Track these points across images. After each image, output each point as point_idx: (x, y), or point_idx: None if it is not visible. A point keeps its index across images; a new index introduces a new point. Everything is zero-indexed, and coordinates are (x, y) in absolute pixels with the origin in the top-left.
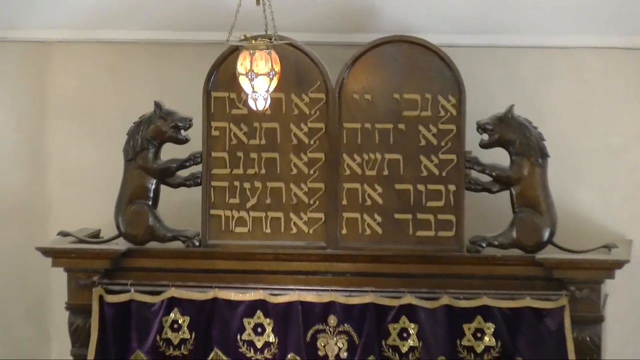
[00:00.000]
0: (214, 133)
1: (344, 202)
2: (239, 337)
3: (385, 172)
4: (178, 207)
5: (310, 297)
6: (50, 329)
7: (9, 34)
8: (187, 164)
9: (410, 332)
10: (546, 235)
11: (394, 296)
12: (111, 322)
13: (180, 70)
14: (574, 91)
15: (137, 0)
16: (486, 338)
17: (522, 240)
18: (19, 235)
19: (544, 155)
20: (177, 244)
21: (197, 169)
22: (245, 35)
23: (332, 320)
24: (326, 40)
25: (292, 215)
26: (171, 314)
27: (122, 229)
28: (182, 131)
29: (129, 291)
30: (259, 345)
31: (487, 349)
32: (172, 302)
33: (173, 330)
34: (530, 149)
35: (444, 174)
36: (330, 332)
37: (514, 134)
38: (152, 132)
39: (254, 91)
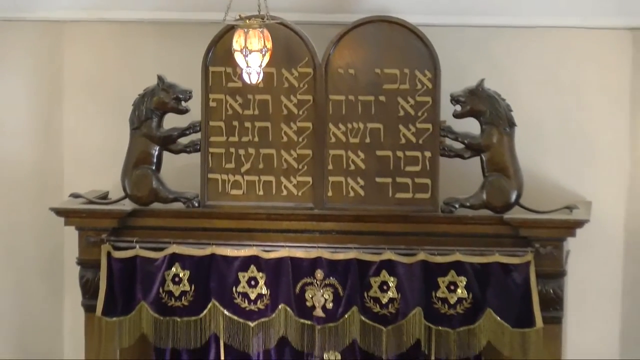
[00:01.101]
0: (212, 104)
1: (330, 167)
2: (234, 289)
3: (368, 140)
4: (179, 172)
5: (299, 253)
6: (64, 282)
7: (26, 14)
8: (187, 132)
9: (390, 285)
10: (513, 197)
11: (375, 252)
12: (118, 276)
13: (182, 47)
14: (539, 66)
15: None
16: (459, 290)
17: (491, 202)
18: (36, 197)
19: (511, 124)
20: (178, 205)
21: (196, 136)
22: (240, 15)
23: (319, 274)
24: (314, 20)
25: (282, 178)
26: (172, 268)
27: (128, 191)
28: (183, 102)
29: (134, 247)
30: (252, 296)
31: (460, 300)
32: (174, 258)
33: (174, 283)
34: (499, 119)
35: (420, 141)
36: (317, 285)
37: (484, 105)
38: (155, 103)
39: (248, 66)
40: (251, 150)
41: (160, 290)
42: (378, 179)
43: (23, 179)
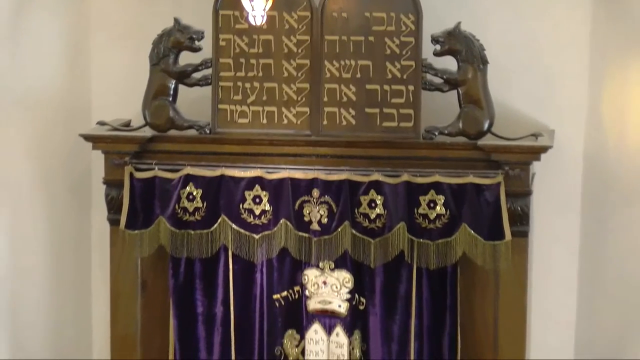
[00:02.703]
0: (221, 43)
1: (325, 99)
2: (241, 206)
3: (358, 75)
4: (192, 102)
5: (297, 174)
6: (91, 199)
7: None
8: (200, 68)
9: (377, 203)
10: (486, 125)
11: (364, 174)
12: (139, 194)
13: None
14: (510, 9)
15: None
16: (438, 207)
17: (466, 130)
18: (66, 125)
19: (484, 62)
20: (191, 132)
21: (207, 72)
22: None
23: (315, 193)
24: None
25: (283, 109)
26: (187, 187)
27: (148, 119)
28: (196, 42)
29: (153, 169)
30: (257, 212)
31: (439, 216)
32: (188, 178)
33: (189, 200)
34: (473, 57)
35: (404, 76)
36: (314, 203)
37: (460, 45)
38: (172, 43)
39: (253, 10)
40: (256, 84)
41: (176, 207)
42: (367, 110)
43: (55, 108)
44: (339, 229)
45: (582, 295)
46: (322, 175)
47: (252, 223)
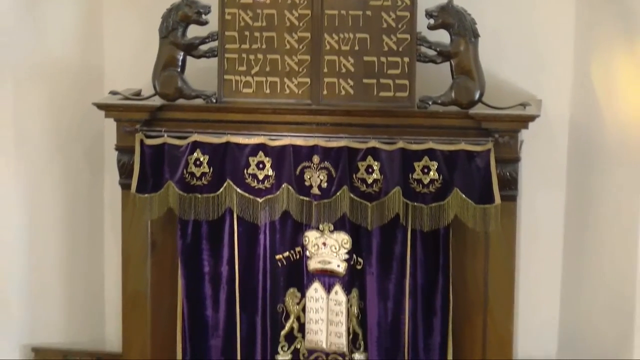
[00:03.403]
0: (227, 17)
1: (325, 70)
2: (245, 171)
3: (356, 48)
4: (200, 73)
5: (299, 141)
6: (104, 165)
7: None
8: (207, 40)
9: (374, 168)
10: (477, 95)
11: (362, 141)
12: (149, 159)
13: None
14: None
15: None
16: (431, 173)
17: (458, 99)
18: (81, 95)
19: (475, 35)
20: (199, 101)
21: (214, 44)
22: None
23: (316, 159)
24: None
25: (285, 79)
26: (194, 154)
27: (158, 89)
28: (203, 15)
29: (162, 136)
30: (260, 177)
31: (432, 181)
32: (195, 145)
33: (196, 165)
34: (465, 30)
35: (400, 49)
36: (314, 168)
37: (453, 19)
38: (180, 16)
39: None
40: (259, 56)
41: (184, 172)
42: (365, 80)
43: (71, 78)
44: (337, 193)
45: (567, 254)
46: (322, 142)
47: (256, 187)
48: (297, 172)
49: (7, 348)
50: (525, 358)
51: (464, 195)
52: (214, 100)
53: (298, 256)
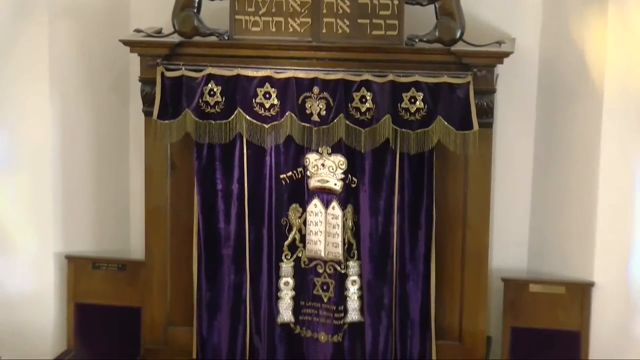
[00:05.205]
0: None
1: (324, 11)
2: (253, 100)
3: None
4: (214, 13)
5: (301, 74)
6: (129, 95)
7: None
8: None
9: (367, 98)
10: (458, 34)
11: (356, 74)
12: (169, 90)
13: None
14: None
15: None
16: (417, 102)
17: (442, 37)
18: (109, 32)
19: None
20: (212, 38)
21: None
22: None
23: (316, 90)
24: None
25: (289, 19)
26: (209, 85)
27: (176, 27)
28: None
29: (180, 69)
30: (267, 106)
31: (418, 109)
32: (210, 77)
33: (210, 95)
34: None
35: None
36: (314, 98)
37: None
38: None
39: None
40: None
41: (200, 101)
42: (359, 20)
43: (99, 16)
44: (335, 120)
45: (536, 176)
46: (321, 75)
47: (263, 115)
48: (299, 101)
49: (44, 256)
50: (498, 267)
51: (446, 123)
52: (226, 38)
53: (300, 175)
